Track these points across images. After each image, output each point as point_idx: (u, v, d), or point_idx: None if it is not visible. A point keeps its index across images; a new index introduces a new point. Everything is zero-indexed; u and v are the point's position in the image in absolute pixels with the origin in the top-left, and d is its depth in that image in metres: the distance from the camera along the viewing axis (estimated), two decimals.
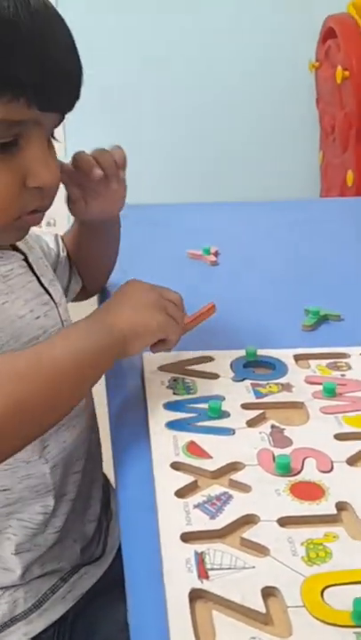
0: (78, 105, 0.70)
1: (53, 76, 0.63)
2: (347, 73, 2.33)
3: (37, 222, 0.72)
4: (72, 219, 0.93)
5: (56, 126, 0.69)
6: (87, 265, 0.95)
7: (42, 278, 0.78)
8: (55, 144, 0.72)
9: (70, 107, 0.68)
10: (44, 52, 0.62)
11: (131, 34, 2.64)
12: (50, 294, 0.78)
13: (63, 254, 0.93)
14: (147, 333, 0.71)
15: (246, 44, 2.69)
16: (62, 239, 0.95)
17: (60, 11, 0.66)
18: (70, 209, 0.86)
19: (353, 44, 2.36)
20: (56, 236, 0.95)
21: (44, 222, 0.89)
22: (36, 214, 0.70)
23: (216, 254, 1.16)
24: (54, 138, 0.71)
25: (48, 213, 0.75)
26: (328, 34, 2.50)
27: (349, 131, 2.39)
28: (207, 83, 2.71)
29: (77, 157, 0.79)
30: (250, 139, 2.78)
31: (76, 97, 0.68)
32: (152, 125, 2.72)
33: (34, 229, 0.90)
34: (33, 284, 0.76)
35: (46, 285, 0.78)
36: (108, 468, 0.80)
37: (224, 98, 2.73)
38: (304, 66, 2.65)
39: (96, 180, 0.79)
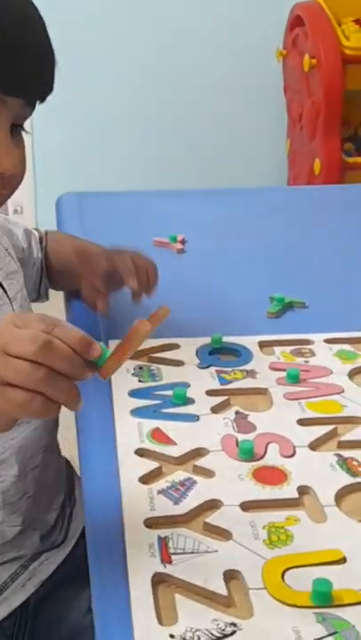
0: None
1: (21, 62, 0.63)
2: (314, 61, 2.34)
3: None
4: (40, 206, 0.92)
5: (25, 116, 0.69)
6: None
7: None
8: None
9: (38, 96, 0.68)
10: (15, 38, 0.63)
11: (102, 26, 2.62)
12: (4, 289, 0.77)
13: (38, 256, 0.92)
14: None
15: (214, 32, 2.68)
16: (43, 242, 0.94)
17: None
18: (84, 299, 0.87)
19: (320, 33, 2.37)
20: (40, 238, 0.94)
21: (10, 210, 0.89)
22: None
23: (183, 242, 1.16)
24: (24, 129, 0.70)
25: (15, 200, 0.75)
26: (296, 22, 2.51)
27: (316, 119, 2.40)
28: (174, 69, 2.70)
29: (119, 260, 0.82)
30: (218, 126, 2.78)
31: (46, 87, 0.68)
32: (120, 113, 2.71)
33: (10, 218, 0.90)
34: None
35: (1, 279, 0.77)
36: (73, 452, 0.79)
37: (191, 84, 2.73)
38: (272, 53, 2.66)
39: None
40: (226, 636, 0.48)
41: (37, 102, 0.69)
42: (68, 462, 0.89)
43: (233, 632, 0.48)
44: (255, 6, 2.66)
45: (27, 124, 0.72)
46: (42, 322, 0.52)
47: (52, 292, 0.99)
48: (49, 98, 0.69)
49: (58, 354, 0.50)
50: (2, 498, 0.73)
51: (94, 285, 0.86)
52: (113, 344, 0.83)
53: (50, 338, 0.50)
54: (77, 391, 0.52)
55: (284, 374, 0.78)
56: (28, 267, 0.91)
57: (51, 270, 0.94)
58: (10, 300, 0.77)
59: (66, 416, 0.88)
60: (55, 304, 1.01)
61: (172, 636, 0.48)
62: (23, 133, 0.71)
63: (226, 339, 0.85)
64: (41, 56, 0.67)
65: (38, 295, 0.95)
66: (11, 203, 2.50)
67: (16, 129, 0.69)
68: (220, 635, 0.48)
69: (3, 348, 0.51)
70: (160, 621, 0.49)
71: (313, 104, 2.42)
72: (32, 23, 0.66)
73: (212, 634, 0.48)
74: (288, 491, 0.62)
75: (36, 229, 0.95)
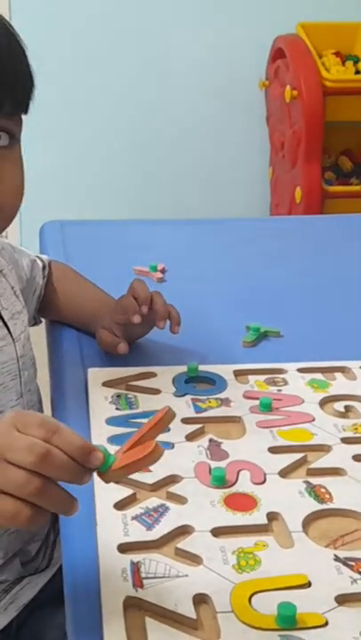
0: (32, 123, 0.71)
1: None
2: (295, 92, 2.39)
3: None
4: (24, 232, 0.94)
5: (13, 130, 0.69)
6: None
7: (3, 312, 0.79)
8: None
9: (8, 113, 0.68)
10: None
11: (81, 49, 2.66)
12: (8, 329, 0.78)
13: (39, 284, 0.94)
14: None
15: (199, 62, 2.73)
16: (46, 271, 0.96)
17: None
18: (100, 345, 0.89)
19: (301, 65, 2.43)
20: (44, 267, 0.96)
21: None
22: None
23: (163, 271, 1.19)
24: (18, 142, 0.70)
25: None
26: (277, 54, 2.57)
27: (298, 148, 2.46)
28: (159, 98, 2.75)
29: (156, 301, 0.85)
30: (201, 154, 2.83)
31: (17, 102, 0.68)
32: (105, 142, 2.75)
33: (17, 246, 0.91)
34: None
35: (6, 319, 0.79)
36: None
37: (176, 113, 2.77)
38: (255, 83, 2.71)
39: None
40: None
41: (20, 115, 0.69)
42: None
43: None
44: (239, 38, 2.71)
45: None
46: (41, 427, 0.50)
47: None
48: (36, 125, 0.70)
49: (56, 465, 0.49)
50: None
51: (114, 333, 0.88)
52: (92, 371, 0.86)
53: (48, 448, 0.49)
54: (72, 498, 0.51)
55: (257, 403, 0.81)
56: (29, 294, 0.93)
57: (51, 303, 0.97)
58: (13, 340, 0.79)
59: None
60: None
61: None
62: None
63: (202, 367, 0.87)
64: (13, 73, 0.67)
65: (35, 322, 0.97)
66: None
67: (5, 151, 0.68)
68: None
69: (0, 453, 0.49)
70: None
71: (294, 133, 2.47)
72: (3, 40, 0.66)
73: None
74: (258, 517, 0.64)
75: (40, 258, 0.98)
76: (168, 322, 0.88)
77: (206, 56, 2.73)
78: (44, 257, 0.99)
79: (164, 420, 0.55)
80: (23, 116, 0.71)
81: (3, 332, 0.78)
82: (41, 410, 0.86)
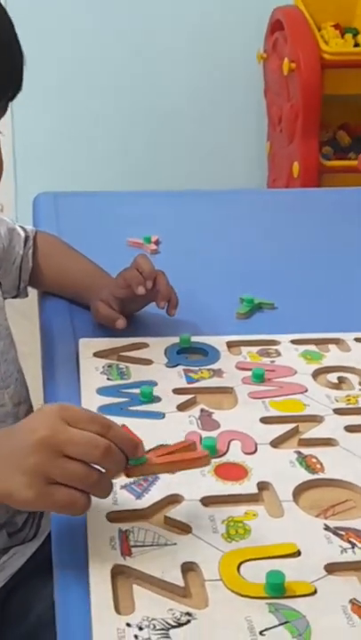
0: (28, 96, 0.70)
1: None
2: (293, 65, 2.36)
3: None
4: (20, 204, 0.93)
5: None
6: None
7: None
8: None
9: (4, 95, 0.68)
10: None
11: (77, 25, 2.63)
12: None
13: (18, 254, 0.93)
14: (14, 504, 0.55)
15: (197, 34, 2.70)
16: (29, 242, 0.95)
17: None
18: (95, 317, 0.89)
19: (300, 37, 2.40)
20: (27, 237, 0.95)
21: None
22: None
23: (157, 243, 1.18)
24: None
25: None
26: (276, 26, 2.53)
27: (295, 122, 2.43)
28: (156, 71, 2.72)
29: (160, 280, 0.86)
30: (199, 127, 2.80)
31: (14, 86, 0.68)
32: (101, 114, 2.72)
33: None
34: None
35: None
36: None
37: (173, 86, 2.74)
38: (253, 56, 2.68)
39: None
40: (180, 624, 0.50)
41: (5, 102, 0.69)
42: None
43: (188, 621, 0.50)
44: (237, 9, 2.68)
45: (7, 123, 0.72)
46: (94, 423, 0.53)
47: None
48: (32, 97, 0.70)
49: (114, 459, 0.53)
50: None
51: (111, 307, 0.88)
52: (83, 342, 0.85)
53: (109, 443, 0.53)
54: (112, 484, 0.56)
55: (249, 374, 0.80)
56: (7, 264, 0.92)
57: (42, 274, 0.96)
58: None
59: None
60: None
61: (128, 625, 0.49)
62: None
63: (194, 338, 0.86)
64: (8, 55, 0.67)
65: (17, 292, 0.96)
66: None
67: None
68: (174, 624, 0.50)
69: (58, 447, 0.52)
70: (118, 611, 0.51)
71: (292, 107, 2.44)
72: (10, 39, 0.66)
73: (168, 623, 0.50)
74: (248, 486, 0.64)
75: (23, 228, 0.96)
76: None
77: (204, 28, 2.69)
78: (29, 228, 0.98)
79: (198, 461, 0.60)
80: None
81: None
82: (23, 380, 0.85)
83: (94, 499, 0.56)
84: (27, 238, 0.95)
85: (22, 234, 0.95)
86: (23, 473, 0.53)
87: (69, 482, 0.52)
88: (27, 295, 0.99)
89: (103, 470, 0.54)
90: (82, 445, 0.52)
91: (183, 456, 0.59)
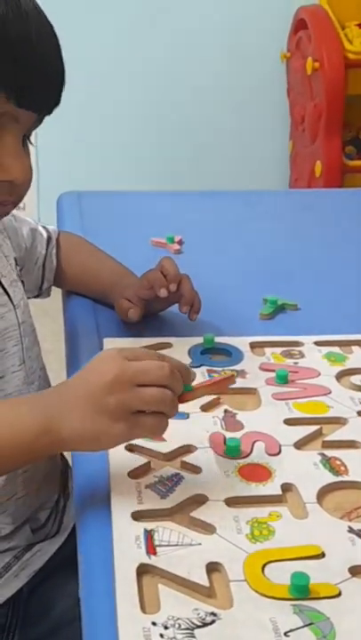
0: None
1: (34, 77, 0.66)
2: (317, 64, 2.36)
3: (4, 214, 0.74)
4: (42, 203, 0.94)
5: (33, 127, 0.71)
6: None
7: (2, 279, 0.79)
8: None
9: (48, 109, 0.70)
10: (29, 53, 0.65)
11: (102, 26, 2.63)
12: (9, 296, 0.79)
13: (41, 254, 0.94)
14: (106, 443, 0.60)
15: (219, 33, 2.70)
16: (52, 243, 0.96)
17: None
18: (119, 315, 0.90)
19: (324, 36, 2.39)
20: (49, 238, 0.96)
21: None
22: (4, 207, 0.72)
23: (180, 243, 1.18)
24: (30, 141, 0.72)
25: None
26: (300, 25, 2.53)
27: (318, 122, 2.42)
28: (179, 71, 2.72)
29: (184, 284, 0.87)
30: (221, 127, 2.80)
31: (56, 101, 0.70)
32: (124, 113, 2.73)
33: (18, 214, 0.92)
34: None
35: (6, 286, 0.79)
36: None
37: (195, 86, 2.74)
38: (276, 55, 2.67)
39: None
40: (205, 624, 0.50)
41: (44, 116, 0.71)
42: (63, 457, 0.91)
43: (213, 621, 0.50)
44: (261, 9, 2.68)
45: None
46: (151, 355, 0.61)
47: None
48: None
49: (178, 378, 0.60)
50: None
51: (131, 301, 0.89)
52: (108, 341, 0.86)
53: (172, 368, 0.59)
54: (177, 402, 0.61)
55: (273, 375, 0.80)
56: (30, 263, 0.92)
57: (65, 274, 0.97)
58: (14, 306, 0.79)
59: None
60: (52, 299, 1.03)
61: (154, 624, 0.50)
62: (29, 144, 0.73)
63: (218, 339, 0.87)
64: (54, 71, 0.69)
65: (39, 292, 0.97)
66: None
67: (24, 139, 0.71)
68: (199, 623, 0.50)
69: (131, 380, 0.58)
70: (143, 610, 0.51)
71: (315, 107, 2.44)
72: (47, 38, 0.67)
73: (193, 622, 0.50)
74: (272, 487, 0.64)
75: (46, 228, 0.97)
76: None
77: (227, 27, 2.69)
78: (52, 228, 0.99)
79: (227, 382, 0.68)
80: None
81: (4, 299, 0.78)
82: (46, 377, 0.86)
83: (119, 496, 0.56)
84: (49, 238, 0.96)
85: (45, 234, 0.96)
86: (107, 412, 0.57)
87: (150, 406, 0.58)
88: (49, 295, 0.99)
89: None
90: (151, 372, 0.58)
91: (215, 380, 0.67)
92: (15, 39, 0.64)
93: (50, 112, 0.71)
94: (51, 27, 0.68)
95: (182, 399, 0.62)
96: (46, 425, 0.58)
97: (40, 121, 0.71)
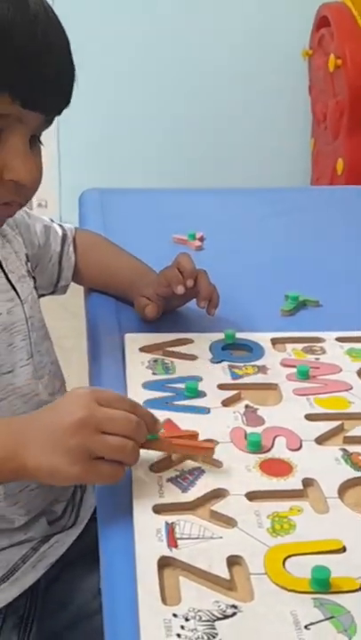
0: (73, 94, 0.71)
1: (41, 78, 0.65)
2: (339, 61, 2.35)
3: (9, 215, 0.74)
4: (63, 200, 0.94)
5: (42, 128, 0.71)
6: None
7: (10, 275, 0.79)
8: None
9: (55, 110, 0.69)
10: (34, 56, 0.64)
11: (125, 24, 2.64)
12: (16, 291, 0.79)
13: (55, 251, 0.94)
14: (60, 480, 0.60)
15: (241, 31, 2.70)
16: (68, 240, 0.96)
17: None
18: (138, 312, 0.91)
19: (346, 33, 2.38)
20: (64, 235, 0.96)
21: (35, 203, 0.91)
22: (9, 207, 0.71)
23: (201, 239, 1.18)
24: (40, 141, 0.72)
25: (40, 195, 0.76)
26: (322, 22, 2.52)
27: (340, 119, 2.41)
28: (201, 69, 2.72)
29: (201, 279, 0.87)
30: (242, 125, 2.80)
31: (64, 101, 0.70)
32: (143, 111, 2.74)
33: (31, 212, 0.92)
34: (0, 280, 0.78)
35: (14, 282, 0.79)
36: None
37: (217, 84, 2.74)
38: (298, 53, 2.67)
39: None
40: (226, 616, 0.50)
41: (54, 116, 0.70)
42: None
43: (233, 613, 0.51)
44: (282, 6, 2.67)
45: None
46: (123, 402, 0.61)
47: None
48: (77, 93, 0.70)
49: (142, 431, 0.61)
50: (2, 489, 0.76)
51: (150, 299, 0.89)
52: (130, 337, 0.86)
53: (138, 420, 0.60)
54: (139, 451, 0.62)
55: (294, 370, 0.80)
56: (44, 261, 0.93)
57: (82, 272, 0.97)
58: (22, 301, 0.80)
59: None
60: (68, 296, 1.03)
61: (175, 615, 0.50)
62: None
63: (239, 335, 0.87)
64: (61, 73, 0.68)
65: (55, 289, 0.97)
66: (35, 197, 2.54)
67: (33, 139, 0.70)
68: (220, 615, 0.50)
69: (97, 426, 0.58)
70: (164, 601, 0.51)
71: (337, 104, 2.43)
72: (54, 40, 0.66)
73: (213, 614, 0.50)
74: (293, 482, 0.64)
75: (61, 226, 0.97)
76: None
77: (249, 24, 2.69)
78: (68, 226, 0.98)
79: (204, 450, 0.66)
80: None
81: (11, 294, 0.79)
82: (57, 371, 0.86)
83: (140, 489, 0.57)
84: (65, 236, 0.96)
85: (60, 231, 0.96)
86: (67, 452, 0.58)
87: (109, 454, 0.59)
88: (64, 292, 1.00)
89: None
90: (117, 422, 0.59)
91: (191, 443, 0.66)
92: (20, 41, 0.63)
93: (59, 113, 0.70)
94: (60, 28, 0.67)
95: (144, 446, 0.62)
96: (14, 451, 0.60)
97: (50, 122, 0.70)
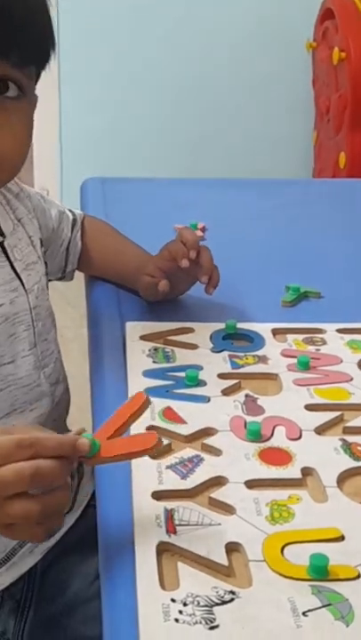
0: (75, 82, 0.69)
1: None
2: (343, 54, 2.34)
3: None
4: (65, 189, 0.94)
5: (12, 79, 0.66)
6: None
7: (16, 263, 0.79)
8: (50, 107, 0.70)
9: (16, 51, 0.64)
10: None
11: (126, 12, 2.63)
12: (21, 281, 0.79)
13: (66, 237, 0.94)
14: None
15: (245, 23, 2.69)
16: (77, 226, 0.96)
17: None
18: (143, 293, 0.90)
19: (350, 26, 2.37)
20: (74, 221, 0.95)
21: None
22: None
23: (203, 230, 1.18)
24: (26, 95, 0.67)
25: (41, 183, 0.75)
26: (326, 14, 2.51)
27: (343, 112, 2.41)
28: (204, 60, 2.71)
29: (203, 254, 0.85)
30: (245, 116, 2.79)
31: (26, 53, 0.65)
32: (145, 101, 2.73)
33: (47, 197, 0.91)
34: (4, 269, 0.77)
35: (19, 271, 0.79)
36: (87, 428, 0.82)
37: (221, 75, 2.74)
38: (302, 45, 2.66)
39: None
40: (224, 602, 0.51)
41: (34, 70, 0.67)
42: None
43: (231, 599, 0.51)
44: None
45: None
46: (19, 448, 0.51)
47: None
48: (78, 81, 0.69)
49: (47, 475, 0.51)
50: None
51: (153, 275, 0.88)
52: (130, 325, 0.86)
53: (35, 465, 0.50)
54: (69, 495, 0.55)
55: (294, 361, 0.80)
56: (55, 245, 0.93)
57: (89, 258, 0.97)
58: (26, 291, 0.79)
59: (79, 398, 0.92)
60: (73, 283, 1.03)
61: (173, 600, 0.50)
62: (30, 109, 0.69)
63: (240, 325, 0.87)
64: (24, 23, 0.64)
65: (63, 275, 0.97)
66: (37, 185, 2.54)
67: (2, 99, 0.65)
68: (218, 601, 0.51)
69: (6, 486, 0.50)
70: (162, 586, 0.52)
71: (340, 97, 2.42)
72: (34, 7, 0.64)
73: (211, 600, 0.51)
74: (292, 471, 0.64)
75: (72, 212, 0.97)
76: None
77: (253, 16, 2.68)
78: (78, 212, 0.99)
79: (141, 407, 0.57)
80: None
81: (15, 284, 0.78)
82: (59, 359, 0.86)
83: (139, 475, 0.57)
84: (74, 221, 0.96)
85: (71, 216, 0.96)
86: None
87: (17, 522, 0.52)
88: (72, 278, 1.00)
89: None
90: (9, 484, 0.50)
91: (133, 449, 0.55)
92: None
93: (32, 61, 0.65)
94: None
95: (88, 463, 0.56)
96: None
97: (35, 75, 0.66)
